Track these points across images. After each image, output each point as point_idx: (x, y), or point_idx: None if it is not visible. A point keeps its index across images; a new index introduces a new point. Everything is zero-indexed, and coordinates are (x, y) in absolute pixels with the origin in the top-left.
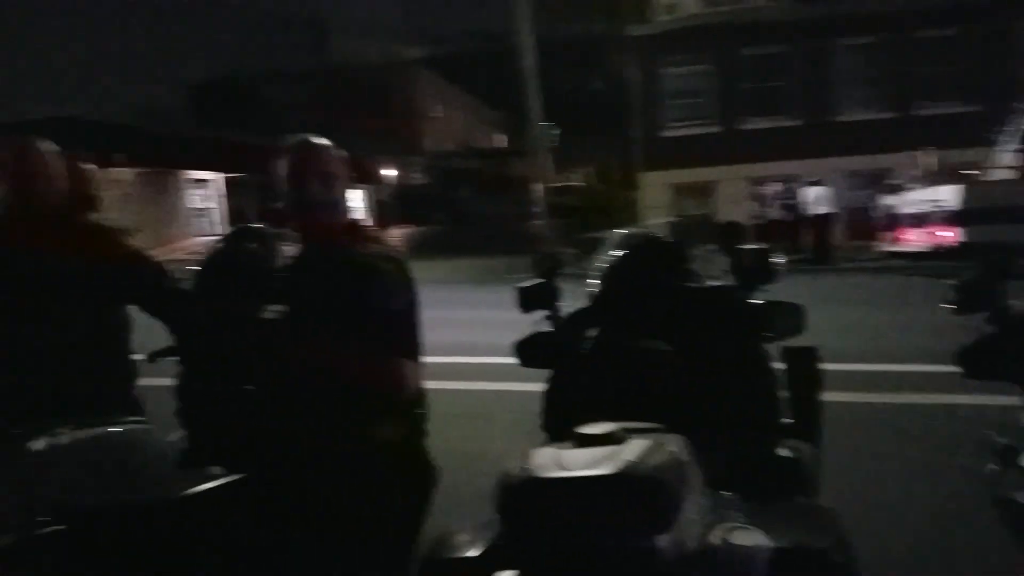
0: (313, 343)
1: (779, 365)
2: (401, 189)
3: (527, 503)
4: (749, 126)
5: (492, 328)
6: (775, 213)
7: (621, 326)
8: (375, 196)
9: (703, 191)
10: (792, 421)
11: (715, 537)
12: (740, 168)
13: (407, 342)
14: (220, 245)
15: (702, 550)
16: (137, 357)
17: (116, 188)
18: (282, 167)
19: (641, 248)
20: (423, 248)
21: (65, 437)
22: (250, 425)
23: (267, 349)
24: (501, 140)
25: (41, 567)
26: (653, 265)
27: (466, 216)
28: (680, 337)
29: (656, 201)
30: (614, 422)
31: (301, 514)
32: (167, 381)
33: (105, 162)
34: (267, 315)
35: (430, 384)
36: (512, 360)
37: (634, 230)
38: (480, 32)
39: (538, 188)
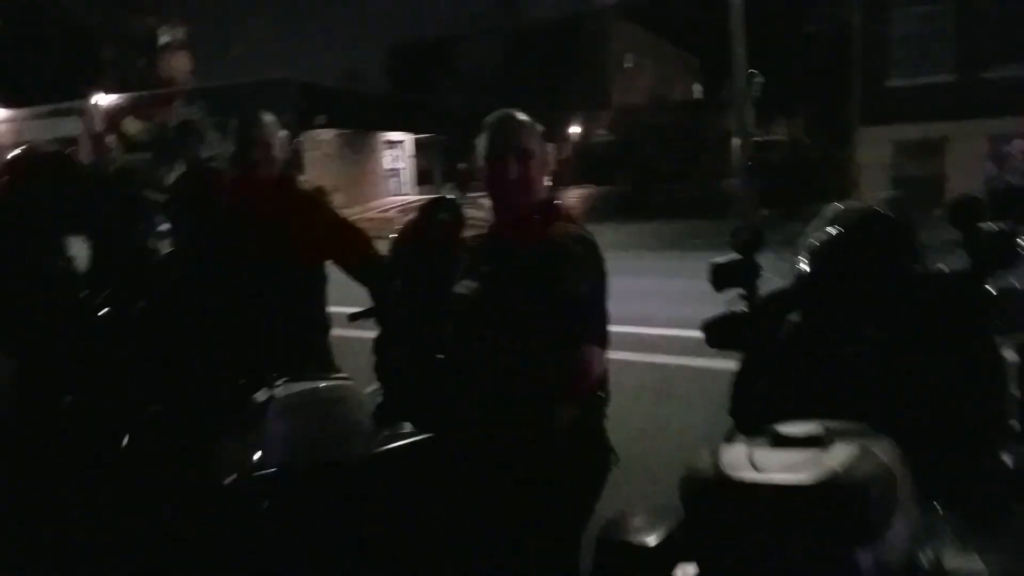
0: (502, 323)
1: (1013, 361)
2: (585, 146)
3: (718, 505)
4: (991, 75)
5: (677, 299)
6: (1020, 178)
7: (830, 312)
8: (557, 154)
9: (931, 150)
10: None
11: (925, 558)
12: (978, 124)
13: (594, 329)
14: (415, 216)
15: (909, 571)
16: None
17: (318, 149)
18: (481, 141)
19: (860, 225)
20: (606, 210)
21: (282, 390)
22: (439, 392)
23: (458, 323)
24: (697, 90)
25: (256, 506)
26: (873, 246)
27: (653, 175)
28: (898, 328)
29: (875, 160)
30: (815, 420)
31: (480, 483)
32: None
33: (309, 124)
34: (460, 290)
35: (611, 355)
36: (697, 335)
37: (852, 204)
38: None
39: (737, 144)
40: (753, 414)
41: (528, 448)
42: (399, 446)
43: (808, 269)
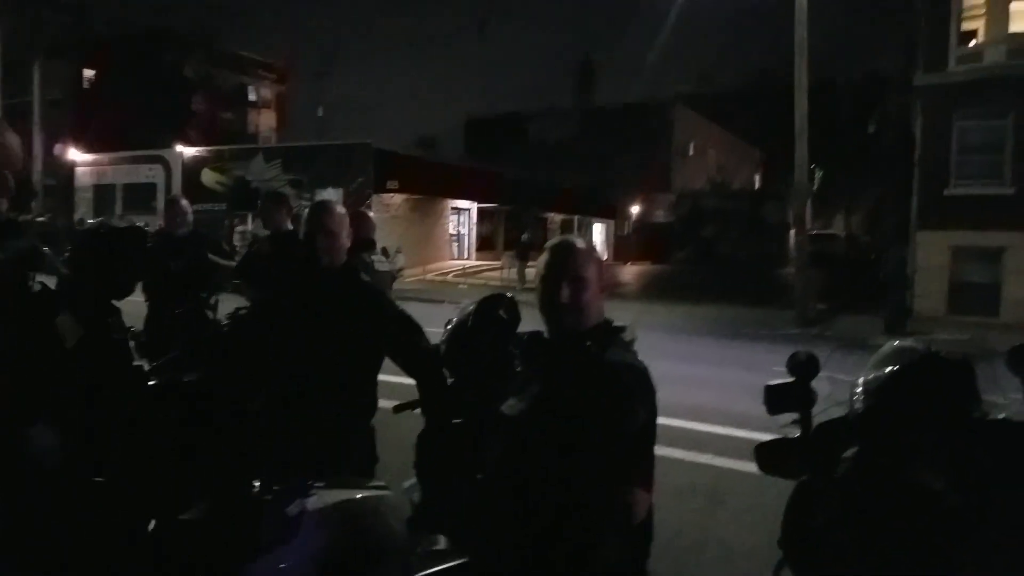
0: (547, 452)
1: None
2: (645, 224)
3: None
4: None
5: (731, 390)
6: None
7: (885, 452)
8: (617, 231)
9: (988, 257)
10: None
11: None
12: None
13: (642, 465)
14: (472, 310)
15: None
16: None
17: (387, 211)
18: (542, 264)
19: (921, 366)
20: (661, 287)
21: (316, 500)
22: (478, 509)
23: (503, 445)
24: (756, 179)
25: None
26: (932, 388)
27: (710, 256)
28: (957, 475)
29: (930, 263)
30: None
31: None
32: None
33: (382, 187)
34: (507, 410)
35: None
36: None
37: (913, 343)
38: (747, 69)
39: (793, 234)
40: (805, 550)
41: None
42: (435, 572)
43: (865, 407)
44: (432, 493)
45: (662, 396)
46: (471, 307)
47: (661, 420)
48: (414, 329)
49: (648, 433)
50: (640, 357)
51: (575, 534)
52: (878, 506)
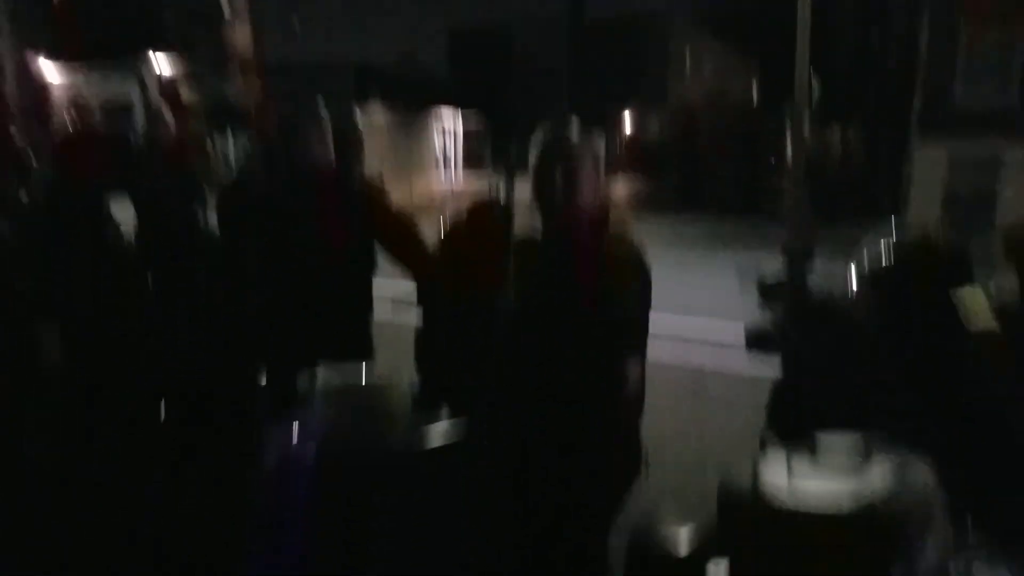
0: (547, 336)
1: None
2: (637, 139)
3: (754, 522)
4: None
5: (718, 300)
6: None
7: (877, 331)
8: (609, 145)
9: (987, 167)
10: None
11: (955, 570)
12: None
13: (636, 346)
14: (465, 217)
15: None
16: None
17: (371, 130)
18: (532, 151)
19: (916, 245)
20: (655, 204)
21: (323, 380)
22: (479, 393)
23: (504, 333)
24: (751, 89)
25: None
26: (928, 267)
27: (701, 172)
28: (945, 350)
29: (927, 176)
30: (854, 434)
31: (512, 480)
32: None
33: (364, 105)
34: (506, 300)
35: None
36: (737, 343)
37: (909, 221)
38: None
39: (788, 147)
40: (790, 426)
41: (564, 450)
42: (441, 447)
43: (857, 285)
44: (432, 384)
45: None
46: (463, 210)
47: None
48: (407, 226)
49: (644, 313)
50: None
51: (572, 407)
52: (860, 380)
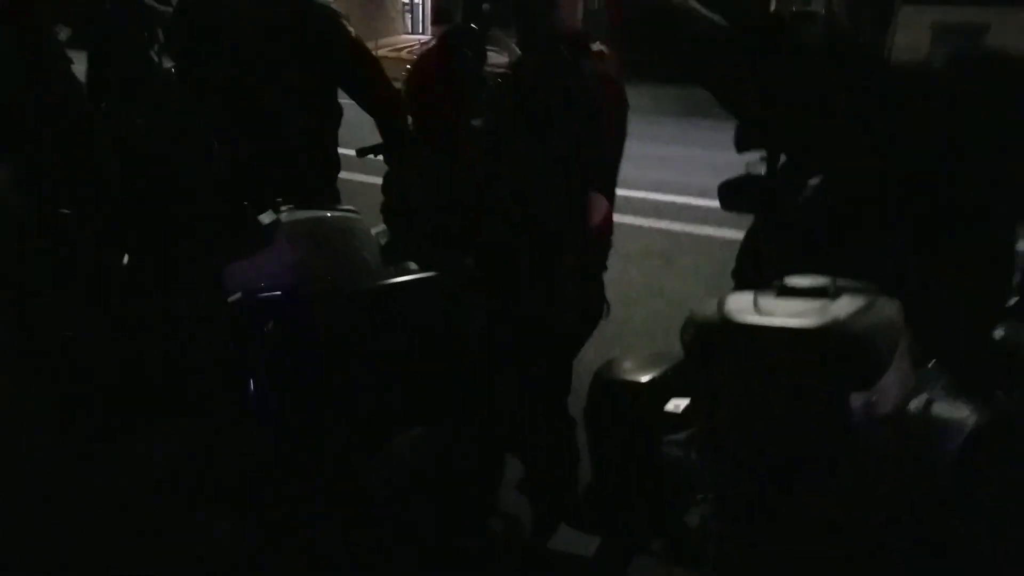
0: (517, 161)
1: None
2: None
3: (719, 344)
4: None
5: (693, 166)
6: None
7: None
8: (586, 5)
9: (969, 36)
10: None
11: (914, 406)
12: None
13: (606, 174)
14: (434, 45)
15: (897, 417)
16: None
17: None
18: None
19: None
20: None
21: (288, 216)
22: (444, 229)
23: (467, 158)
24: None
25: (260, 326)
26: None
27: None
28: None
29: (907, 41)
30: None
31: (481, 319)
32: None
33: None
34: (478, 123)
35: (623, 219)
36: (706, 203)
37: None
38: None
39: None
40: (760, 277)
41: (529, 286)
42: (405, 280)
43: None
44: (399, 228)
45: (625, 172)
46: (432, 43)
47: (621, 192)
48: (370, 63)
49: (615, 145)
50: None
51: (541, 237)
52: (831, 228)
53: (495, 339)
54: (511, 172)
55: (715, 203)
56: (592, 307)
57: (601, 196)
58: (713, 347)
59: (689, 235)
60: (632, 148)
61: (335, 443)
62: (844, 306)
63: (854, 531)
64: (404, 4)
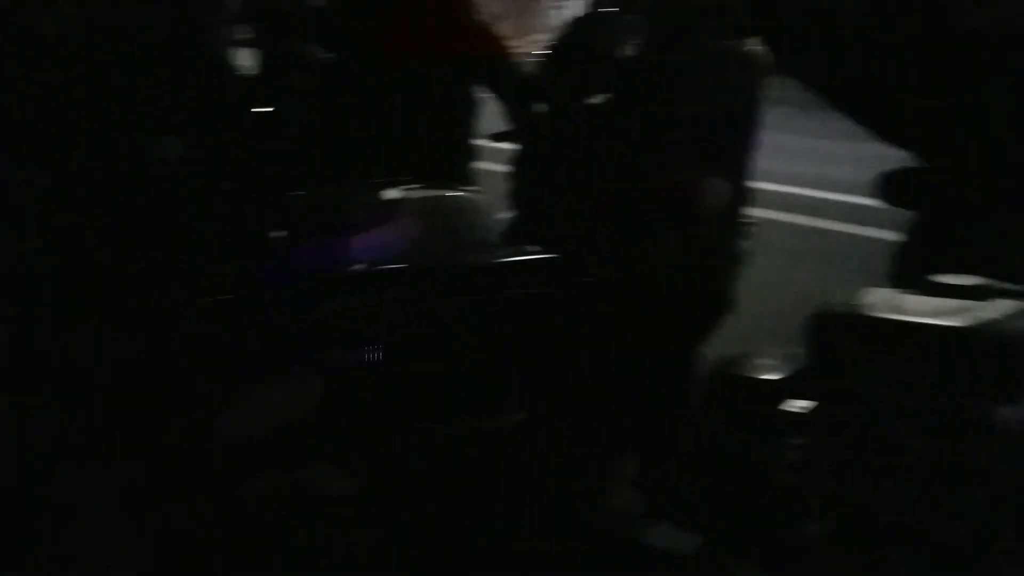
0: (632, 138)
1: None
2: None
3: (852, 339)
4: None
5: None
6: None
7: None
8: None
9: None
10: None
11: None
12: None
13: (732, 159)
14: (568, 29)
15: None
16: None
17: None
18: None
19: None
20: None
21: (409, 192)
22: (570, 217)
23: (591, 143)
24: None
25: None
26: None
27: None
28: None
29: None
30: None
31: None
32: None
33: None
34: (596, 101)
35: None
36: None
37: None
38: None
39: None
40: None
41: (648, 275)
42: (524, 260)
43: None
44: (526, 212)
45: (772, 166)
46: (569, 27)
47: (771, 186)
48: (499, 52)
49: (743, 131)
50: None
51: (660, 224)
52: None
53: (614, 325)
54: (632, 150)
55: (853, 198)
56: (720, 294)
57: (721, 180)
58: (845, 344)
59: (825, 231)
60: (766, 139)
61: (453, 419)
62: (994, 308)
63: (1002, 548)
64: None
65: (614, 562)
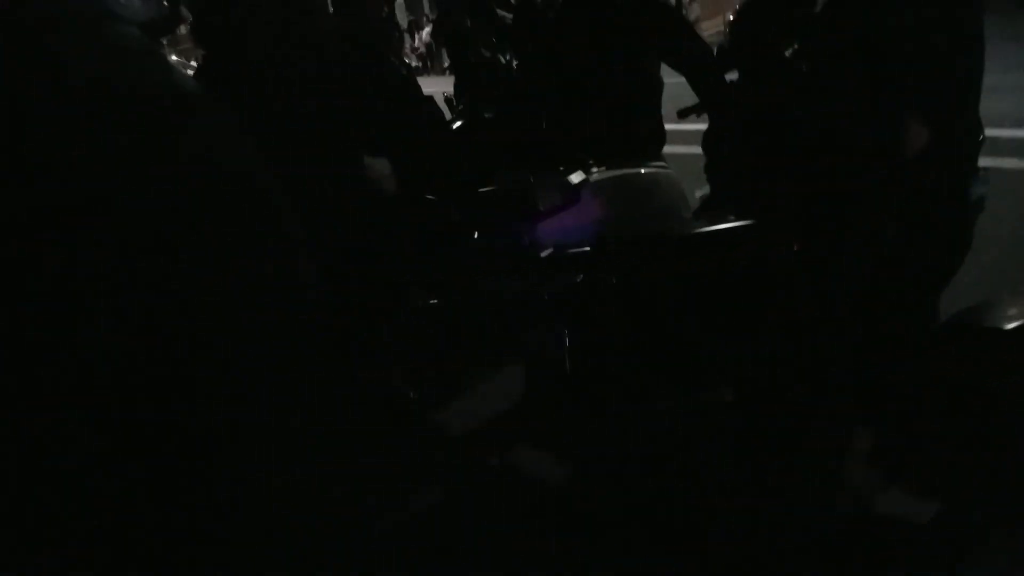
0: (832, 91)
1: None
2: None
3: None
4: None
5: None
6: None
7: None
8: None
9: None
10: None
11: None
12: None
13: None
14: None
15: None
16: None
17: None
18: None
19: None
20: None
21: (597, 175)
22: (765, 179)
23: (781, 108)
24: None
25: (572, 278)
26: None
27: None
28: None
29: None
30: None
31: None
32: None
33: None
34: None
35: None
36: None
37: None
38: None
39: None
40: None
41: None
42: (719, 229)
43: None
44: (718, 191)
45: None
46: None
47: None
48: (679, 23)
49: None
50: None
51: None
52: None
53: (826, 291)
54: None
55: None
56: (957, 234)
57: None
58: None
59: None
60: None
61: (642, 388)
62: None
63: None
64: None
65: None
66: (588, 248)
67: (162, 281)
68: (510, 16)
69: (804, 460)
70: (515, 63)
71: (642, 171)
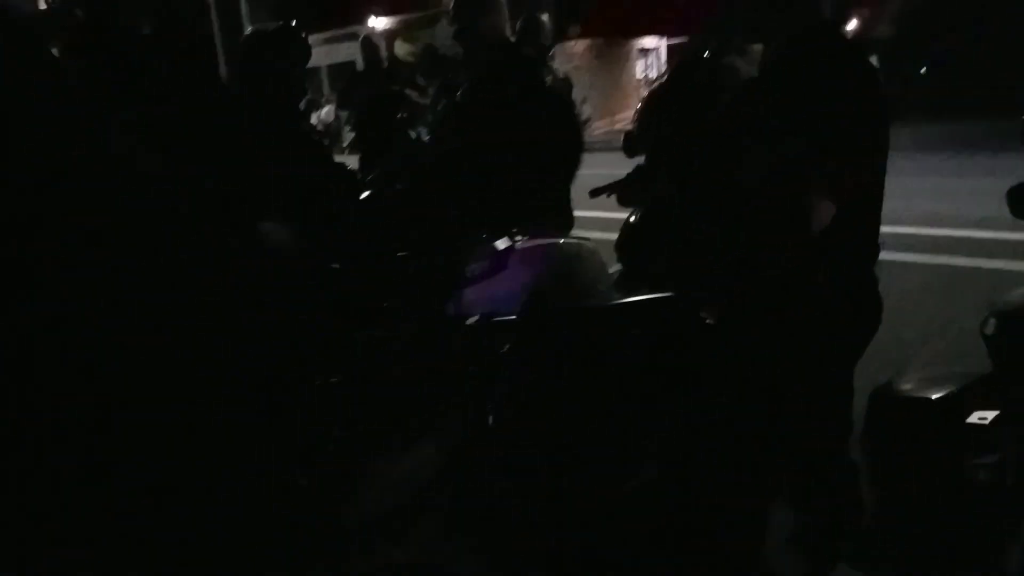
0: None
1: None
2: None
3: None
4: None
5: (970, 197)
6: None
7: None
8: None
9: None
10: None
11: None
12: None
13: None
14: (667, 79)
15: None
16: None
17: (570, 61)
18: None
19: None
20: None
21: (521, 243)
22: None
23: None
24: None
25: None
26: None
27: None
28: None
29: None
30: None
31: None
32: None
33: (563, 35)
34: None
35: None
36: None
37: None
38: None
39: None
40: None
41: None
42: (637, 300)
43: None
44: (632, 271)
45: (895, 206)
46: (665, 75)
47: (893, 229)
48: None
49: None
50: None
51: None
52: None
53: (750, 359)
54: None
55: (997, 234)
56: (864, 303)
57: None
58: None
59: (969, 268)
60: (897, 184)
61: (575, 460)
62: None
63: None
64: (639, 80)
65: None
66: (515, 317)
67: None
68: (416, 94)
69: (728, 541)
70: (426, 137)
71: (564, 242)
